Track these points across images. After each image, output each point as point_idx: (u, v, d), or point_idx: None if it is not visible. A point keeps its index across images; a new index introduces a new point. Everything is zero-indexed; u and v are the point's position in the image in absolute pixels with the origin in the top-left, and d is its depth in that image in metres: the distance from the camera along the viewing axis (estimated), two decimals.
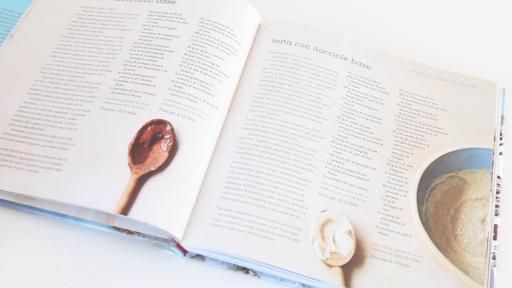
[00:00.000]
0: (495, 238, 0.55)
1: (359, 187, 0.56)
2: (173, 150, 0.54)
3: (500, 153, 0.60)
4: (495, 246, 0.55)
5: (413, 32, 0.71)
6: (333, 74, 0.63)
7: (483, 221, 0.56)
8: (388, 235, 0.54)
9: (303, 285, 0.52)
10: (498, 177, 0.59)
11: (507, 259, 0.55)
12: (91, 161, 0.54)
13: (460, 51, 0.69)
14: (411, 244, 0.53)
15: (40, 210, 0.53)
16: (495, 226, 0.56)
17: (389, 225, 0.54)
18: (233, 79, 0.61)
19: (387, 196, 0.56)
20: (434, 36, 0.71)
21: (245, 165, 0.55)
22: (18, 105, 0.58)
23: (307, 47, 0.64)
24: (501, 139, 0.61)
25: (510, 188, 0.59)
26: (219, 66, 0.60)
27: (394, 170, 0.57)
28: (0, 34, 0.64)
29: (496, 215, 0.57)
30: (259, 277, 0.53)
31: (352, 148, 0.58)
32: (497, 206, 0.57)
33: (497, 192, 0.58)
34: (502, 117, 0.63)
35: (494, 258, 0.54)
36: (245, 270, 0.53)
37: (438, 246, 0.54)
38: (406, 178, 0.57)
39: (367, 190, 0.56)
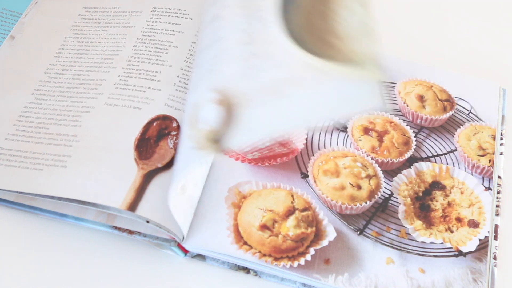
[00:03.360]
0: (496, 238, 0.55)
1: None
2: None
3: (501, 153, 0.60)
4: (496, 246, 0.55)
5: (413, 33, 0.71)
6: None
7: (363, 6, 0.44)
8: None
9: (304, 285, 0.52)
10: (499, 177, 0.59)
11: (508, 259, 0.55)
12: (96, 157, 0.53)
13: (461, 51, 0.69)
14: None
15: (41, 210, 0.53)
16: (496, 226, 0.56)
17: None
18: None
19: None
20: (435, 37, 0.71)
21: None
22: (23, 105, 0.58)
23: None
24: (501, 139, 0.61)
25: (510, 188, 0.59)
26: None
27: None
28: (0, 34, 0.64)
29: (497, 215, 0.57)
30: (260, 277, 0.53)
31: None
32: (497, 206, 0.57)
33: (498, 192, 0.58)
34: (503, 117, 0.63)
35: (495, 258, 0.54)
36: (246, 270, 0.53)
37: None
38: None
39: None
